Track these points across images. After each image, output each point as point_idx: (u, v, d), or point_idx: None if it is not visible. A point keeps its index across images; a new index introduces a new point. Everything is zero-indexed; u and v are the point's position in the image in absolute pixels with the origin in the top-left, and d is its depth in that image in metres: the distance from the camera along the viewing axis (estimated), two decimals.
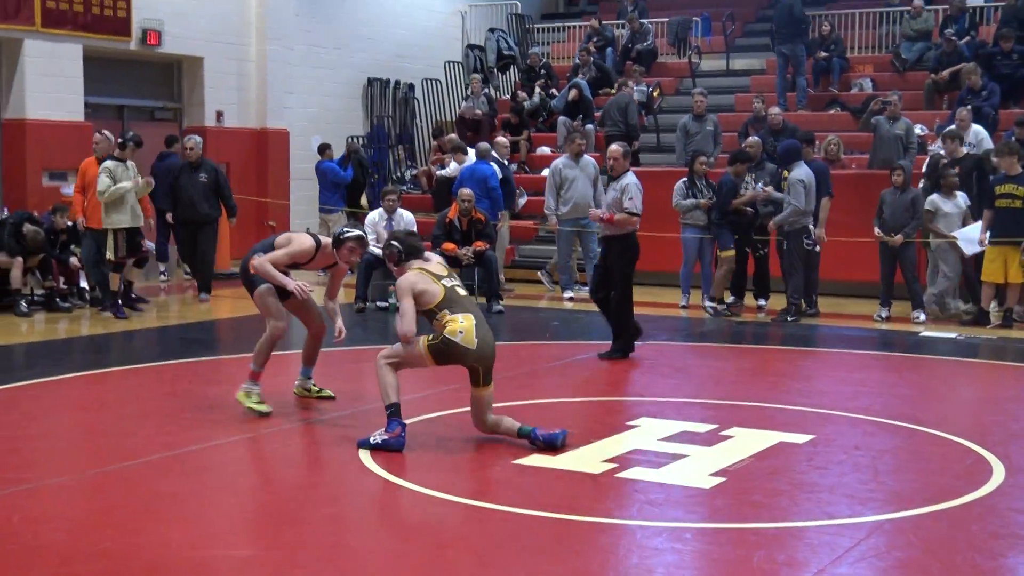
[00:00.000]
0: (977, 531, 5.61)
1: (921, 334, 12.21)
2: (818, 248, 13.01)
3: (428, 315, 7.10)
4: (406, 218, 13.81)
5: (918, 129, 15.71)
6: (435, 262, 7.33)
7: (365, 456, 6.80)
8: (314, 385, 8.43)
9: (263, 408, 7.83)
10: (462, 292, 7.21)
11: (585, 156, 14.59)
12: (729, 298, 13.68)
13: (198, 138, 14.61)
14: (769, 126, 15.56)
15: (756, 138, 14.27)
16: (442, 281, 7.14)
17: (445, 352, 7.01)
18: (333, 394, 8.40)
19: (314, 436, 7.57)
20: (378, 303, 13.58)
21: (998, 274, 12.48)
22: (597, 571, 5.08)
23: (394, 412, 7.05)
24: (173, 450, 6.94)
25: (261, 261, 7.77)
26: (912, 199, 12.94)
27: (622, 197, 10.16)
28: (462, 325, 6.97)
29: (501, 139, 16.84)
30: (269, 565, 5.13)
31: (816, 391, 9.28)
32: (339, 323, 7.88)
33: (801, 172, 12.76)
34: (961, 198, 13.03)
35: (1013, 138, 13.50)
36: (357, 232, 7.86)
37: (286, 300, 7.94)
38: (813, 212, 12.89)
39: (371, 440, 7.01)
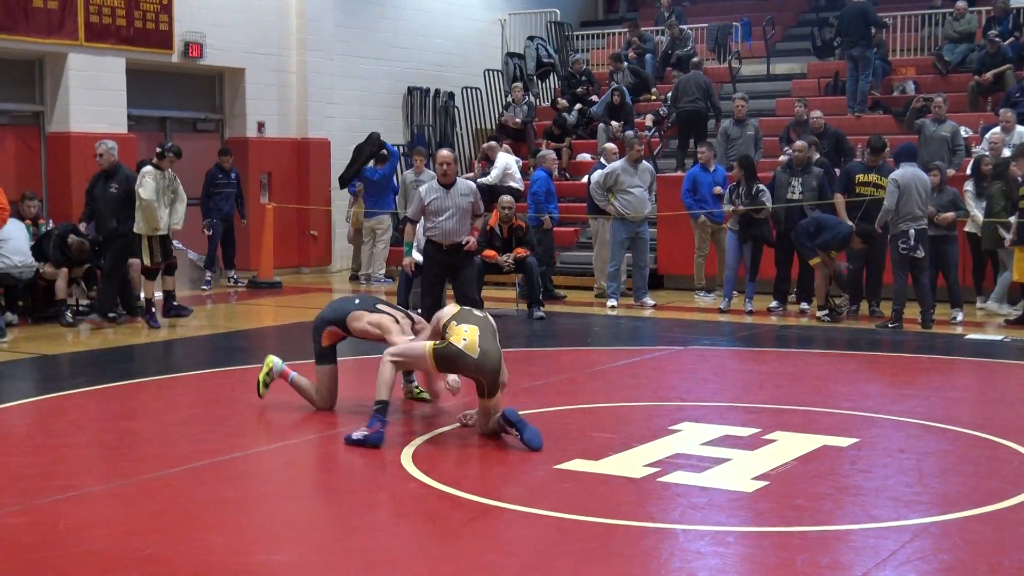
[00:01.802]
0: None
1: (965, 337, 12.09)
2: (919, 253, 12.49)
3: (443, 330, 7.37)
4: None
5: (963, 131, 15.58)
6: None
7: (407, 462, 6.81)
8: (416, 388, 8.56)
9: (265, 383, 8.25)
10: (478, 314, 7.49)
11: (643, 162, 14.69)
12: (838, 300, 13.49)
13: (111, 143, 13.17)
14: (811, 129, 15.48)
15: (803, 141, 14.18)
16: (460, 305, 7.71)
17: (447, 357, 7.23)
18: (429, 396, 8.49)
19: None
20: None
21: None
22: (640, 575, 5.05)
23: (380, 409, 7.27)
24: (216, 457, 6.98)
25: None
26: (951, 199, 12.82)
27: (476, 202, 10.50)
28: (466, 334, 7.22)
29: (546, 152, 16.80)
30: (312, 571, 5.14)
31: (860, 394, 9.20)
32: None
33: (897, 172, 12.45)
34: None
35: None
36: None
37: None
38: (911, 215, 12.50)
39: (353, 436, 7.22)
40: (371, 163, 17.34)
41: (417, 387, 8.51)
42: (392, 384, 7.33)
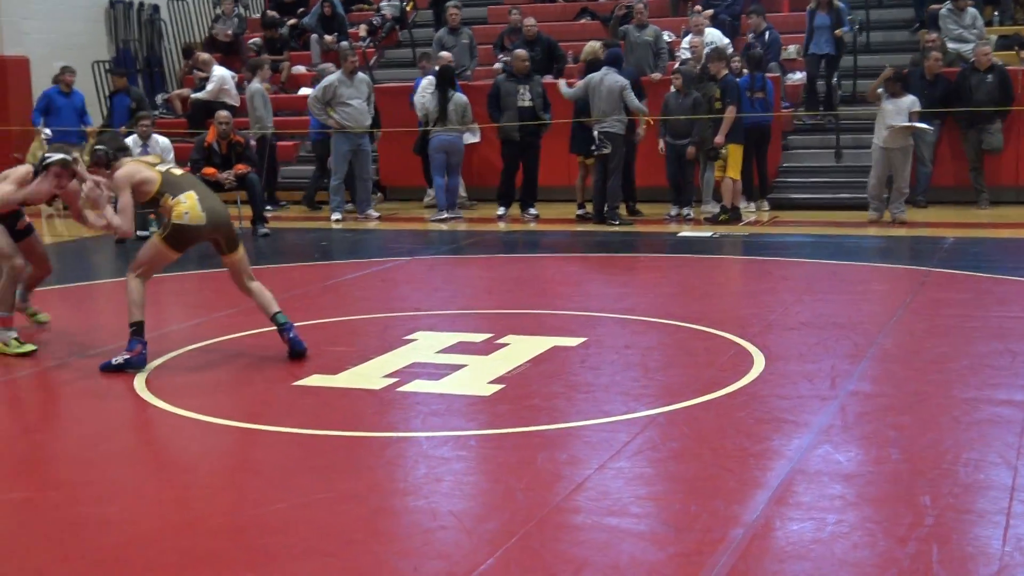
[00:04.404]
0: (744, 417, 5.92)
1: (679, 235, 12.66)
2: (606, 150, 13.30)
3: (152, 204, 7.26)
4: (162, 143, 13.42)
5: (666, 36, 16.11)
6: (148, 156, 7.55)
7: (141, 388, 6.66)
8: (30, 307, 8.37)
9: (28, 348, 7.59)
10: (178, 172, 7.38)
11: (360, 74, 14.59)
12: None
13: None
14: (525, 37, 15.71)
15: (524, 51, 14.39)
16: (157, 168, 7.29)
17: (180, 237, 7.14)
18: (47, 319, 8.39)
19: (82, 372, 7.35)
20: (138, 233, 13.17)
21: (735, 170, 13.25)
22: (388, 483, 5.15)
23: (137, 331, 7.12)
24: None
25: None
26: (693, 102, 13.32)
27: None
28: (185, 206, 7.09)
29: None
30: (49, 504, 4.99)
31: (584, 295, 9.55)
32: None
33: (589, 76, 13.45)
34: (908, 100, 13.05)
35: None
36: (61, 156, 7.58)
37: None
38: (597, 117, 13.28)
39: (113, 362, 7.06)
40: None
41: (33, 309, 8.36)
42: (142, 303, 7.12)
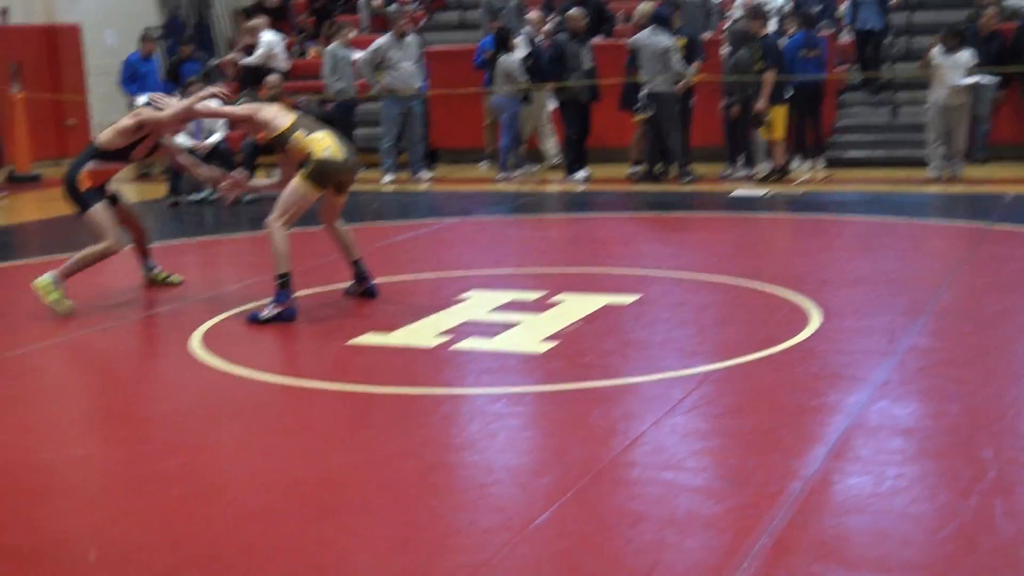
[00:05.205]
0: (800, 373, 5.87)
1: (733, 193, 12.55)
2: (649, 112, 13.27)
3: (280, 142, 7.27)
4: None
5: None
6: None
7: (197, 348, 6.70)
8: (159, 271, 8.41)
9: (66, 305, 7.55)
10: (311, 118, 7.56)
11: (410, 36, 14.57)
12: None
13: None
14: None
15: (580, 10, 14.26)
16: (291, 112, 7.47)
17: (324, 174, 7.21)
18: (180, 279, 8.41)
19: (142, 331, 7.41)
20: (190, 197, 13.26)
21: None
22: (443, 439, 5.15)
23: (284, 282, 7.14)
24: None
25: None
26: (734, 62, 13.14)
27: None
28: (325, 143, 7.20)
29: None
30: (110, 461, 5.05)
31: (637, 253, 9.50)
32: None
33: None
34: (966, 55, 12.79)
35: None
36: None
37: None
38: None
39: (262, 315, 7.10)
40: None
41: (161, 272, 8.38)
42: (289, 252, 7.16)
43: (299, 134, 7.19)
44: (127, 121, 7.71)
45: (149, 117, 7.63)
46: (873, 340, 6.41)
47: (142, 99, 11.79)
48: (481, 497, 4.41)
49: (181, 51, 16.52)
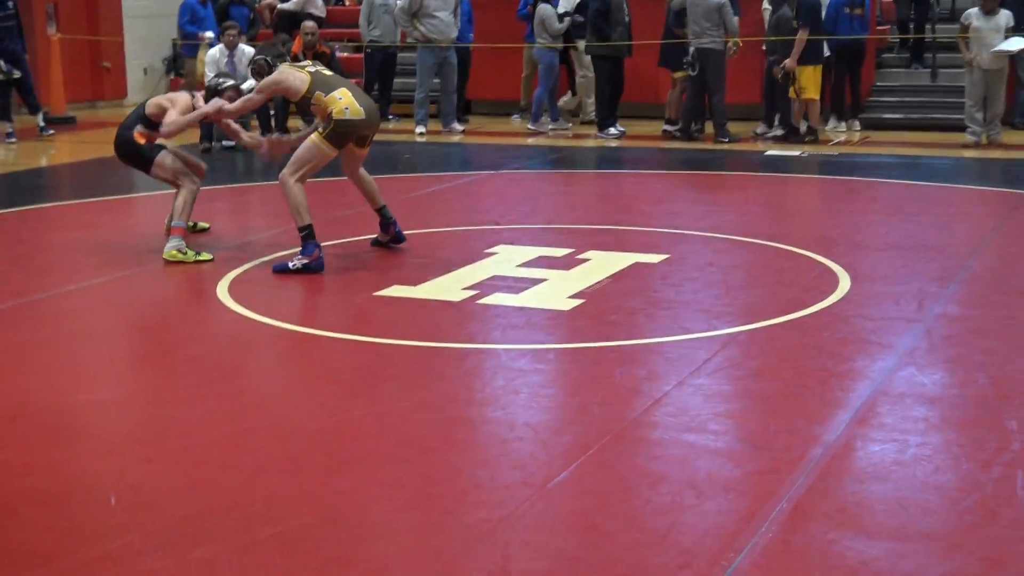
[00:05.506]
0: (827, 338, 5.83)
1: (766, 153, 12.46)
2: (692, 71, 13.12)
3: (304, 104, 7.33)
4: (247, 53, 13.42)
5: None
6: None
7: (223, 294, 6.72)
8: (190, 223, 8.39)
9: (205, 256, 7.57)
10: (328, 73, 7.48)
11: None
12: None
13: None
14: None
15: None
16: (307, 69, 7.38)
17: (343, 134, 7.25)
18: (208, 225, 8.47)
19: (169, 277, 7.43)
20: (223, 143, 13.26)
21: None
22: (465, 394, 5.16)
23: (308, 234, 7.19)
24: (22, 298, 6.76)
25: (175, 122, 7.58)
26: (776, 20, 12.95)
27: None
28: (344, 102, 7.19)
29: None
30: (135, 406, 5.08)
31: (668, 212, 9.45)
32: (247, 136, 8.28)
33: None
34: (1004, 16, 12.58)
35: None
36: (232, 81, 7.95)
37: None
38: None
39: (290, 265, 7.15)
40: None
41: (192, 221, 8.38)
42: (306, 205, 7.19)
43: (319, 95, 7.20)
44: (163, 103, 7.72)
45: (169, 119, 7.63)
46: (901, 306, 6.37)
47: (208, 34, 11.90)
48: (502, 453, 4.41)
49: None
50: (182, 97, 7.82)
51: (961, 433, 4.58)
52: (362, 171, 7.69)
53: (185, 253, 7.50)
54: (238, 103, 7.63)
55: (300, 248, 7.19)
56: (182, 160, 7.86)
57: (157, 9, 18.34)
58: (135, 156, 7.79)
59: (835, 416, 4.72)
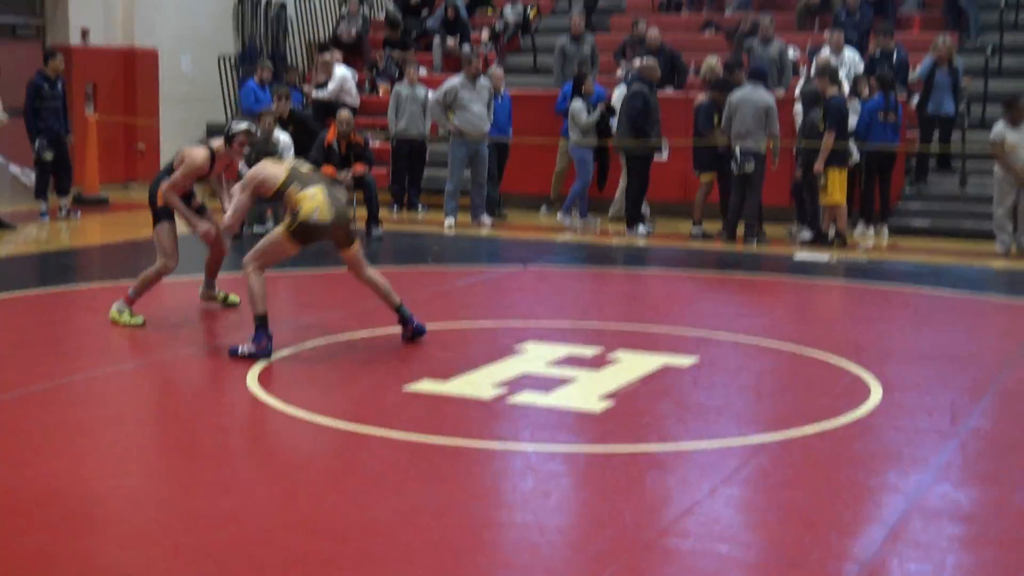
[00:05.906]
0: (859, 450, 5.79)
1: (796, 257, 12.46)
2: (748, 168, 12.94)
3: (277, 197, 7.45)
4: (283, 140, 13.58)
5: (791, 52, 15.89)
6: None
7: (254, 384, 6.72)
8: (220, 292, 8.81)
9: (138, 320, 8.03)
10: (305, 168, 7.62)
11: (482, 79, 14.62)
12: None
13: None
14: (648, 48, 15.59)
15: (655, 59, 14.23)
16: (284, 164, 7.56)
17: (306, 234, 7.35)
18: (239, 300, 8.65)
19: (200, 365, 7.45)
20: (255, 228, 13.35)
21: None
22: (494, 495, 5.12)
23: (261, 323, 7.30)
24: (52, 381, 6.77)
25: (167, 191, 7.97)
26: (806, 124, 13.01)
27: None
28: (314, 203, 7.27)
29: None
30: (163, 495, 5.06)
31: (697, 313, 9.44)
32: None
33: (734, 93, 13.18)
34: None
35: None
36: (246, 124, 8.13)
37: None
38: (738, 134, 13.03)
39: (240, 350, 7.25)
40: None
41: (221, 292, 8.72)
42: (264, 294, 7.31)
43: (293, 187, 7.33)
44: (183, 155, 8.13)
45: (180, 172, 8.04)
46: (934, 419, 6.32)
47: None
48: (532, 558, 4.38)
49: (260, 72, 16.64)
50: (198, 153, 8.08)
51: (998, 552, 4.52)
52: (370, 271, 7.74)
53: (121, 314, 7.97)
54: (229, 215, 7.76)
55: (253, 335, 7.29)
56: (174, 240, 8.15)
57: (194, 93, 18.62)
58: (152, 206, 8.21)
59: (869, 532, 4.67)
